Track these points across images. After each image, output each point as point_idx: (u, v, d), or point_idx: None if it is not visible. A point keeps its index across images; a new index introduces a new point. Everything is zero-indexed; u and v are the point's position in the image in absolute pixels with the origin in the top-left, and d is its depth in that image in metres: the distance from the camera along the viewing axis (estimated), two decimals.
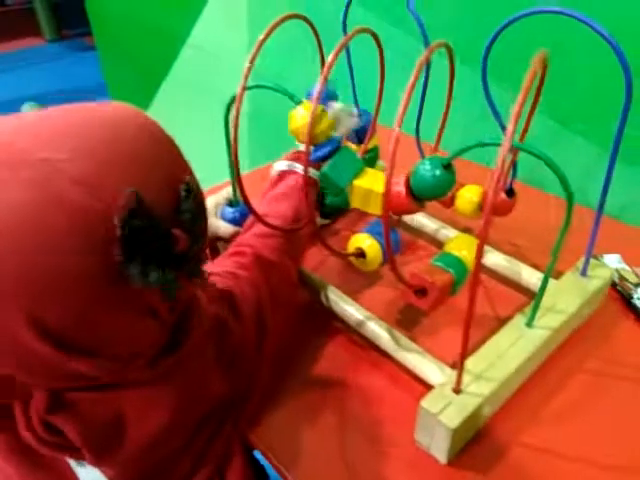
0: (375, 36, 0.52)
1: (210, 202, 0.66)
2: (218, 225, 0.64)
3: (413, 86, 0.42)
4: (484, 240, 0.36)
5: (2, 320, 0.30)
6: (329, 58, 0.46)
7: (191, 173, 0.39)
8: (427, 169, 0.48)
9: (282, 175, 0.63)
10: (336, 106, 0.55)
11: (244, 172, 0.63)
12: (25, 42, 3.85)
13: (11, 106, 3.07)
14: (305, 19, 0.54)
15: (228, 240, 0.64)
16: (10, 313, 0.30)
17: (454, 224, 0.71)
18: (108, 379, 0.38)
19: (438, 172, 0.47)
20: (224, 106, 0.55)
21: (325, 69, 0.46)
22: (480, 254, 0.37)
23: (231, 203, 0.65)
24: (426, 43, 0.59)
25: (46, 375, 0.35)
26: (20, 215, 0.30)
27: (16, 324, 0.30)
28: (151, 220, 0.32)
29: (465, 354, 0.44)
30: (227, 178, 0.62)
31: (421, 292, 0.50)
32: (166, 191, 0.35)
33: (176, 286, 0.34)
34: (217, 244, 0.65)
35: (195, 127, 1.85)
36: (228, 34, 1.43)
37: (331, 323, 0.61)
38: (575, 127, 0.83)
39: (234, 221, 0.64)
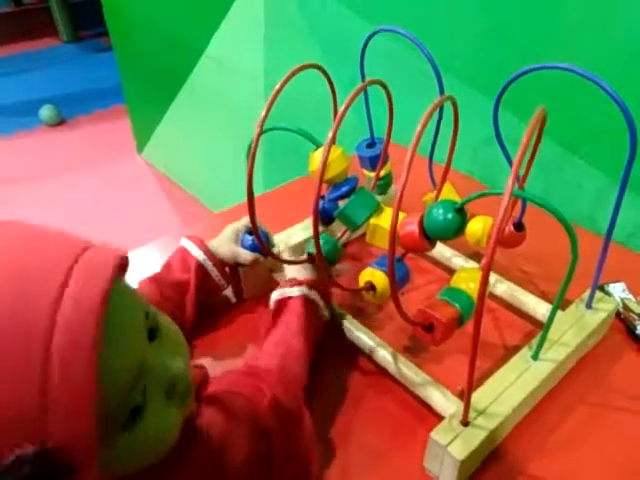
0: (385, 87, 0.55)
1: (229, 229, 0.69)
2: (239, 252, 0.67)
3: (419, 138, 0.44)
4: (484, 295, 0.39)
5: None
6: (341, 109, 0.48)
7: (62, 437, 0.27)
8: (440, 212, 0.50)
9: (280, 306, 0.60)
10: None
11: (259, 192, 0.66)
12: (42, 43, 3.91)
13: (29, 107, 3.11)
14: (319, 68, 0.57)
15: (248, 266, 0.67)
16: None
17: (465, 249, 0.74)
18: None
19: (450, 215, 0.50)
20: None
21: (337, 118, 0.49)
22: (482, 306, 0.40)
23: (250, 231, 0.68)
24: (440, 89, 0.62)
25: None
26: None
27: None
28: None
29: (471, 389, 0.47)
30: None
31: (428, 327, 0.52)
32: None
33: None
34: (238, 270, 0.68)
35: (210, 136, 1.89)
36: (245, 47, 1.46)
37: (345, 346, 0.64)
38: (585, 155, 0.85)
39: (253, 248, 0.67)
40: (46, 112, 2.81)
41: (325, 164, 0.46)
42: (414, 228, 0.52)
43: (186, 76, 1.84)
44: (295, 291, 0.59)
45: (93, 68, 3.47)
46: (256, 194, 0.59)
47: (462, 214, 0.51)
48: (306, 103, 1.21)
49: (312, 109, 1.20)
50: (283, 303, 0.59)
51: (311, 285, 0.60)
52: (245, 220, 0.69)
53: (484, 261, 0.41)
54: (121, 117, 2.62)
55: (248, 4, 1.40)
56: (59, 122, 2.86)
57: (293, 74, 0.53)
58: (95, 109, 2.99)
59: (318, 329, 0.60)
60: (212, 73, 1.69)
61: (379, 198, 0.61)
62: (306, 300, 0.59)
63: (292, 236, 0.74)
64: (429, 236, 0.52)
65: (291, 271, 0.65)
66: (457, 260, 0.73)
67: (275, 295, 0.61)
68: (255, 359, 0.55)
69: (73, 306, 0.28)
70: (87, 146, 2.68)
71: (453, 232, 0.51)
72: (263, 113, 0.52)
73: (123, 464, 0.34)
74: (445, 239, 0.52)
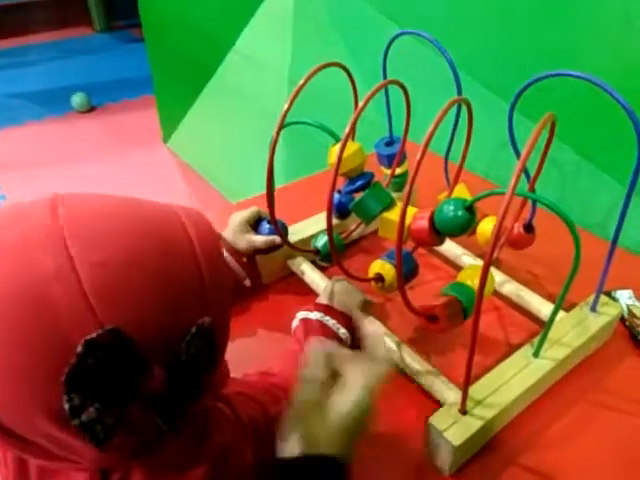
0: (403, 87, 0.57)
1: (237, 219, 0.71)
2: (254, 240, 0.69)
3: (431, 136, 0.47)
4: (484, 280, 0.41)
5: None
6: (360, 104, 0.51)
7: (214, 314, 0.34)
8: (450, 209, 0.52)
9: (303, 324, 0.62)
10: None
11: (279, 185, 0.69)
12: (74, 31, 4.00)
13: (61, 93, 3.18)
14: (342, 67, 0.59)
15: (264, 251, 0.70)
16: None
17: (476, 249, 0.76)
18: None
19: (460, 213, 0.52)
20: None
21: (355, 114, 0.51)
22: (480, 298, 0.42)
23: (268, 220, 0.71)
24: (459, 92, 0.64)
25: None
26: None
27: None
28: (127, 352, 0.30)
29: (469, 380, 0.50)
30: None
31: (432, 318, 0.55)
32: (171, 328, 0.32)
33: (109, 430, 0.31)
34: (255, 258, 0.71)
35: (234, 129, 1.93)
36: (272, 45, 1.49)
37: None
38: (601, 164, 0.86)
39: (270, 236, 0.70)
40: (77, 99, 2.89)
41: (341, 157, 0.49)
42: (425, 222, 0.54)
43: (214, 70, 1.88)
44: (313, 315, 0.61)
45: (124, 58, 3.54)
46: (276, 186, 0.62)
47: (471, 212, 0.53)
48: (330, 99, 1.24)
49: (335, 105, 1.22)
50: (307, 322, 0.61)
51: (327, 312, 0.61)
52: (252, 210, 0.72)
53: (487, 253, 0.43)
54: (149, 107, 2.67)
55: (278, 3, 1.43)
56: (89, 109, 2.94)
57: (316, 72, 0.56)
58: (124, 98, 3.05)
59: None
60: (239, 68, 1.73)
61: (395, 195, 0.63)
62: (323, 324, 0.61)
63: (305, 229, 0.77)
64: (439, 231, 0.54)
65: (321, 286, 0.69)
66: (467, 259, 0.75)
67: (299, 315, 0.63)
68: (270, 368, 0.56)
69: (199, 235, 0.35)
70: (114, 133, 2.75)
71: (461, 228, 0.53)
72: (285, 107, 0.54)
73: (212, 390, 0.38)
74: (454, 235, 0.54)
